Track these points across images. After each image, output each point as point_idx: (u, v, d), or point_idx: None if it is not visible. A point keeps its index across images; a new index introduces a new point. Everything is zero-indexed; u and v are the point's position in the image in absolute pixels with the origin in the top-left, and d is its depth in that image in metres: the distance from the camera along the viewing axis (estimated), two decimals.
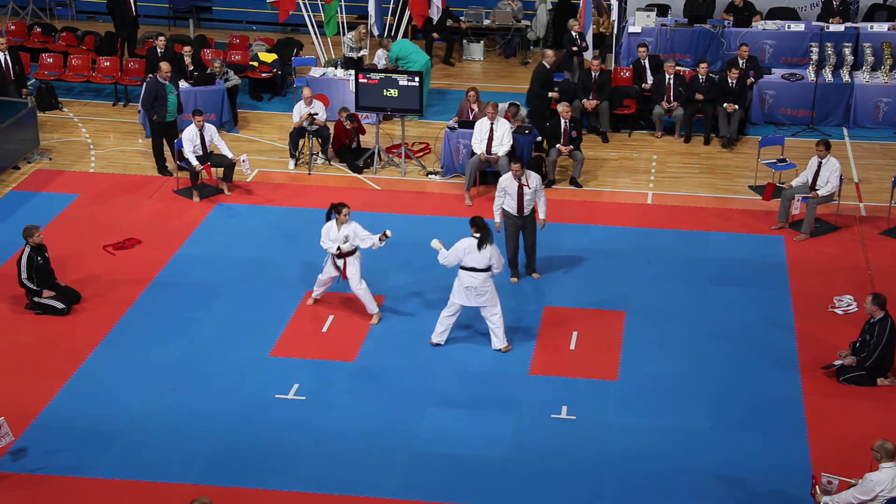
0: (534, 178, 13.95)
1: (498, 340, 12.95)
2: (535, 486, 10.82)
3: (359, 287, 13.35)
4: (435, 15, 21.35)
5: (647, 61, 19.46)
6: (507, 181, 14.01)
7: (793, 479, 10.82)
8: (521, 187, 13.91)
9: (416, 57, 19.92)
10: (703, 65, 18.76)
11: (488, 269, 12.63)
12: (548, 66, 18.67)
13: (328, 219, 13.25)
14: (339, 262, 13.24)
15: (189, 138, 16.40)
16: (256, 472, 10.96)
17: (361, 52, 20.27)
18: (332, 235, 13.16)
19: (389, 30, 21.63)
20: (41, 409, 11.83)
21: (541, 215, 14.16)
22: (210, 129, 16.62)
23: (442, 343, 13.06)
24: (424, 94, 19.64)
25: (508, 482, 10.87)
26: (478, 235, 12.55)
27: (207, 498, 9.05)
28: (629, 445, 11.37)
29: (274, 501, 10.63)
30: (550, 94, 18.49)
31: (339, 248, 13.11)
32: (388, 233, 13.23)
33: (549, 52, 18.98)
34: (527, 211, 14.09)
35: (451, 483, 10.84)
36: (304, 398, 12.13)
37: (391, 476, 10.93)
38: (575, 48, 19.92)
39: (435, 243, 12.88)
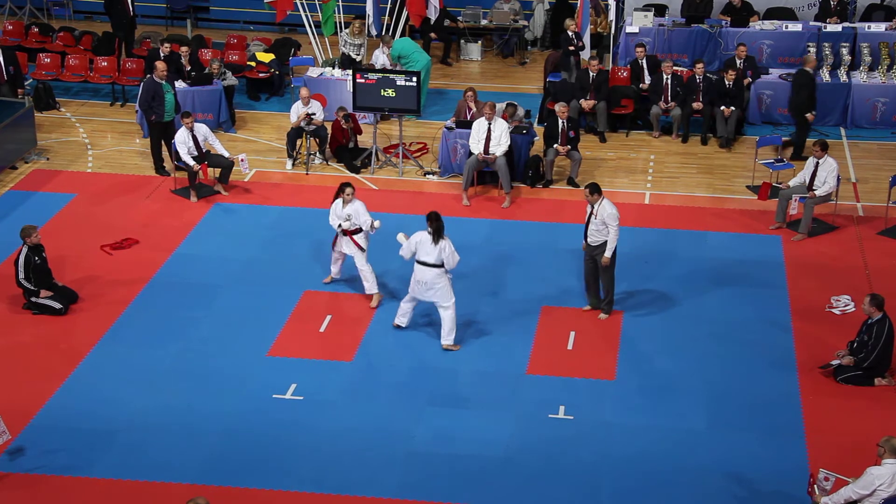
0: (603, 210, 13.08)
1: (443, 337, 12.98)
2: (533, 485, 10.83)
3: (363, 265, 13.73)
4: (432, 15, 21.35)
5: (644, 61, 19.47)
6: (588, 206, 13.40)
7: (790, 478, 10.83)
8: (590, 215, 13.31)
9: (418, 57, 19.92)
10: (700, 65, 18.76)
11: (441, 265, 12.68)
12: (811, 72, 17.93)
13: (336, 197, 13.72)
14: (346, 239, 13.70)
15: (182, 141, 16.35)
16: (254, 471, 10.96)
17: (361, 50, 20.25)
18: (337, 212, 13.68)
19: (387, 30, 21.63)
20: (39, 409, 11.82)
21: (606, 252, 13.19)
22: (202, 129, 16.56)
23: (403, 326, 13.28)
24: (423, 94, 19.69)
25: (506, 482, 10.87)
26: (431, 230, 12.64)
27: (205, 498, 9.04)
28: (627, 445, 11.38)
29: (272, 501, 10.63)
30: (808, 116, 17.83)
31: (340, 226, 13.59)
32: (377, 224, 13.64)
33: (812, 58, 18.25)
34: (591, 240, 13.27)
35: (449, 483, 10.84)
36: (301, 398, 12.13)
37: (389, 476, 10.93)
38: (571, 48, 19.93)
39: (400, 237, 13.03)
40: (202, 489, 10.58)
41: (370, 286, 13.81)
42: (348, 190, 13.64)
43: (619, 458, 11.19)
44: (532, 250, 15.22)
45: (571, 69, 19.81)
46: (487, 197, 16.92)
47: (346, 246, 13.80)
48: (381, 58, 19.77)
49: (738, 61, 19.26)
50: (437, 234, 12.60)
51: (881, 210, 16.21)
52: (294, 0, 20.96)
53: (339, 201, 13.72)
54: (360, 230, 13.69)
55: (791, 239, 15.52)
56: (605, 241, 13.21)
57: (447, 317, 12.90)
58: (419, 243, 12.70)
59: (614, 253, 13.28)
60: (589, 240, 13.37)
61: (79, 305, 13.81)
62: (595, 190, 13.25)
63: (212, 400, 12.05)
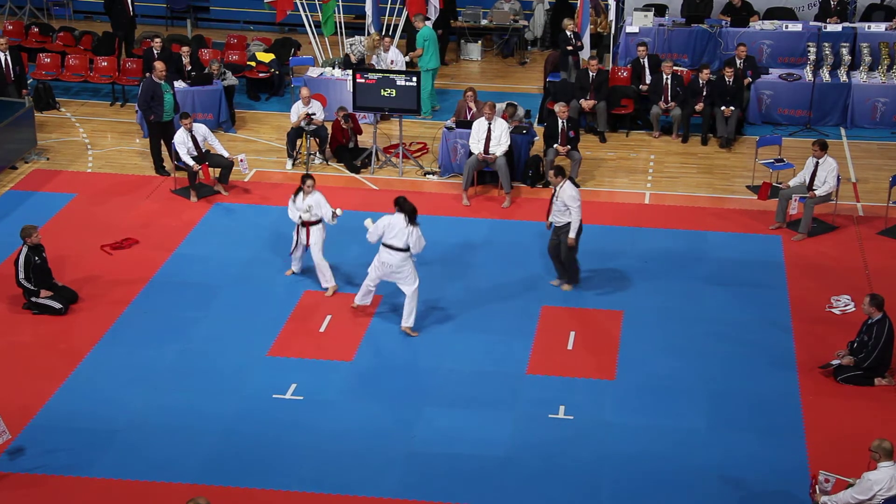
0: (563, 193, 13.62)
1: (404, 319, 13.24)
2: (533, 485, 10.83)
3: (318, 256, 14.04)
4: (433, 15, 21.33)
5: (646, 60, 19.42)
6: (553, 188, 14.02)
7: (790, 478, 10.83)
8: (552, 196, 13.85)
9: (434, 53, 19.92)
10: (706, 70, 18.69)
11: (407, 248, 12.95)
12: None
13: (297, 192, 14.08)
14: (304, 231, 14.02)
15: (181, 142, 16.34)
16: (254, 471, 10.96)
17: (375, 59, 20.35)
18: (297, 205, 14.02)
19: (387, 30, 21.61)
20: (39, 409, 11.83)
21: (570, 233, 13.76)
22: (200, 129, 16.55)
23: (367, 304, 13.63)
24: (432, 95, 19.77)
25: (506, 482, 10.87)
26: (404, 214, 12.90)
27: (205, 498, 9.04)
28: (627, 445, 11.38)
29: (272, 501, 10.63)
30: None
31: (300, 217, 13.92)
32: (339, 211, 13.96)
33: None
34: (553, 219, 13.90)
35: (448, 483, 10.85)
36: (301, 398, 12.13)
37: (389, 476, 10.94)
38: (570, 48, 19.93)
39: (367, 222, 13.24)
40: (202, 489, 10.58)
41: (324, 280, 14.12)
42: (309, 182, 13.96)
43: (619, 458, 11.19)
44: (532, 250, 15.21)
45: (570, 69, 19.82)
46: (487, 197, 16.92)
47: (303, 237, 14.14)
48: (382, 55, 19.73)
49: (738, 61, 19.24)
50: (411, 217, 12.87)
51: (881, 210, 16.20)
52: (294, 0, 20.97)
53: (299, 195, 14.03)
54: (318, 221, 14.00)
55: (791, 239, 15.52)
56: (569, 223, 13.67)
57: (410, 299, 13.17)
58: (388, 226, 12.95)
59: (579, 233, 13.76)
60: (552, 219, 13.84)
61: (79, 305, 13.81)
62: (559, 172, 13.73)
63: (212, 400, 12.05)
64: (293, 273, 14.53)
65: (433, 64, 19.97)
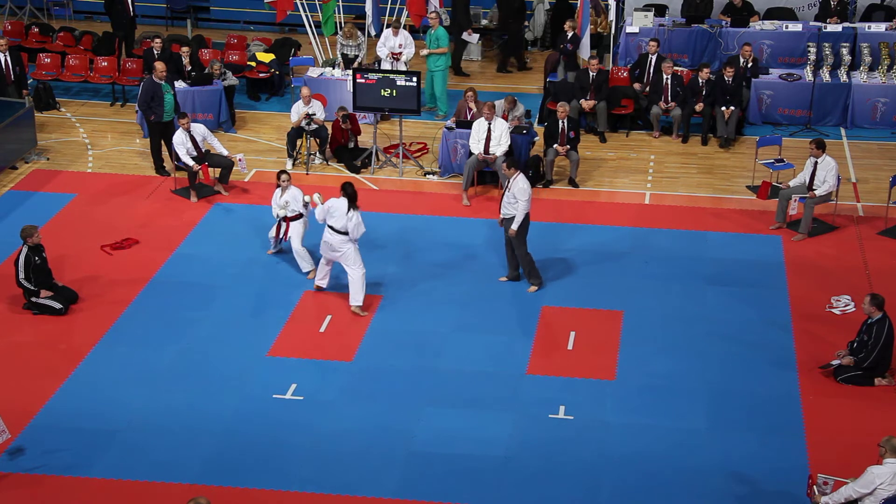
0: (515, 185, 13.74)
1: (351, 298, 13.64)
2: (533, 486, 10.83)
3: (298, 248, 14.46)
4: None
5: (654, 58, 19.32)
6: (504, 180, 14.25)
7: (790, 478, 10.83)
8: (505, 188, 13.98)
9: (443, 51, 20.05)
10: (706, 69, 18.69)
11: (346, 232, 13.34)
12: None
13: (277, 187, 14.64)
14: (284, 226, 14.53)
15: (180, 142, 16.34)
16: (254, 471, 10.97)
17: (359, 52, 20.25)
18: (276, 201, 14.53)
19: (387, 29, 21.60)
20: (39, 409, 11.83)
21: (513, 224, 13.84)
22: (199, 129, 16.55)
23: (324, 287, 14.05)
24: (444, 92, 19.83)
25: (506, 482, 10.88)
26: (343, 199, 13.30)
27: (205, 498, 9.05)
28: (627, 445, 11.38)
29: (272, 501, 10.64)
30: None
31: (278, 215, 14.47)
32: (307, 199, 14.27)
33: None
34: (504, 212, 13.98)
35: (448, 483, 10.85)
36: (301, 398, 12.13)
37: (389, 476, 10.94)
38: (562, 46, 19.92)
39: (316, 197, 13.76)
40: (202, 489, 10.59)
41: (305, 265, 14.45)
42: (284, 177, 14.44)
43: (619, 458, 11.19)
44: (532, 250, 15.18)
45: (561, 70, 19.80)
46: (487, 197, 16.92)
47: (282, 232, 14.59)
48: (390, 40, 19.60)
49: (741, 60, 19.21)
50: (351, 202, 13.24)
51: (881, 210, 16.20)
52: (294, 0, 20.96)
53: (277, 191, 14.49)
54: (299, 216, 14.42)
55: (791, 239, 15.52)
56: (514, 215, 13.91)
57: (353, 279, 13.54)
58: (331, 208, 13.37)
59: (524, 228, 13.85)
60: (502, 212, 14.02)
61: (79, 305, 13.81)
62: (512, 164, 13.94)
63: (212, 400, 12.05)
64: (273, 252, 14.99)
65: (449, 62, 20.13)
